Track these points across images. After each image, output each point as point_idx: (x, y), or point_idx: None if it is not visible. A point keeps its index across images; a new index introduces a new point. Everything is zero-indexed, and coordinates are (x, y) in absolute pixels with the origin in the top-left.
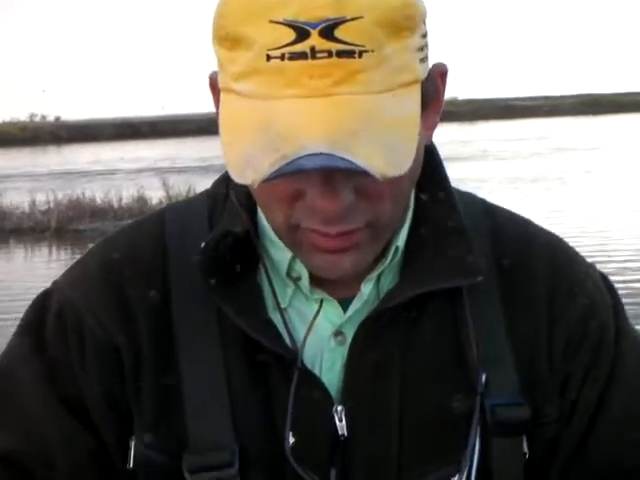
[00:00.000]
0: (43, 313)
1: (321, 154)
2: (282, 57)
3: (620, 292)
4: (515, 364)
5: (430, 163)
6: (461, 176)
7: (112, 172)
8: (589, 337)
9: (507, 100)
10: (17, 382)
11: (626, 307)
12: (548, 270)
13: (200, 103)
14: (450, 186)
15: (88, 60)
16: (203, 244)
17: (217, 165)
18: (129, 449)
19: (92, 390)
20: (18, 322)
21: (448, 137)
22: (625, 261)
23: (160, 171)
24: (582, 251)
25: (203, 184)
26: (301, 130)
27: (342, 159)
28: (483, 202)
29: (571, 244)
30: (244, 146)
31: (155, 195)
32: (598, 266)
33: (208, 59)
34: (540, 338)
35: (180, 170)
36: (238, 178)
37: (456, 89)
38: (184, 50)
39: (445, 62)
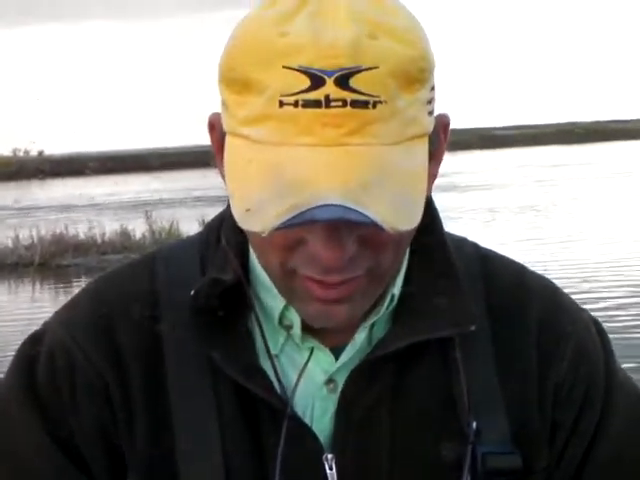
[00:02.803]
0: (35, 353)
1: (333, 205)
2: (296, 104)
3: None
4: (506, 412)
5: (426, 211)
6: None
7: (95, 206)
8: (579, 386)
9: (488, 130)
10: (10, 423)
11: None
12: (540, 318)
13: (185, 137)
14: (444, 233)
15: (71, 94)
16: (193, 292)
17: (203, 198)
18: None
19: (84, 431)
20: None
21: None
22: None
23: (143, 205)
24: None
25: (187, 218)
26: (313, 179)
27: (355, 211)
28: (476, 247)
29: (547, 273)
30: (253, 193)
31: (138, 229)
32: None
33: (196, 93)
34: (531, 386)
35: (163, 204)
36: (245, 225)
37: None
38: (170, 84)
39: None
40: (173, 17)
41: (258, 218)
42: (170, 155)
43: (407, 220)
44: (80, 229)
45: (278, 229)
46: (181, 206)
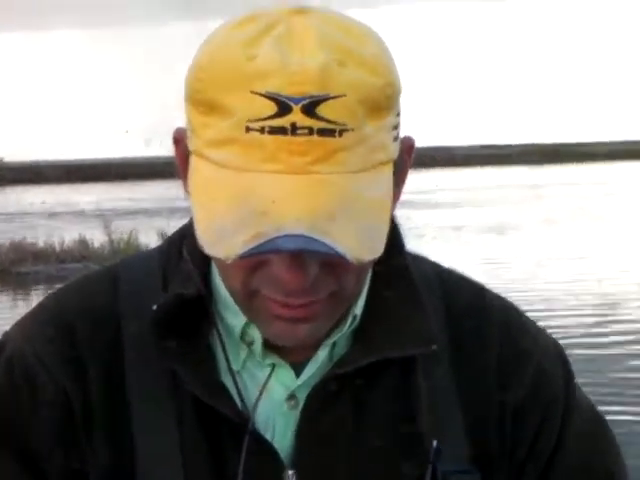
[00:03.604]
0: None
1: (298, 235)
2: (262, 130)
3: None
4: (466, 431)
5: (389, 230)
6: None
7: (54, 215)
8: (538, 407)
9: (450, 149)
10: None
11: None
12: (500, 337)
13: (146, 148)
14: (406, 253)
15: (31, 101)
16: (154, 307)
17: (163, 209)
18: None
19: (43, 443)
20: None
21: None
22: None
23: (103, 214)
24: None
25: (146, 228)
26: (278, 208)
27: (319, 242)
28: (436, 267)
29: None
30: (217, 219)
31: (97, 239)
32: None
33: (159, 102)
34: (490, 405)
35: (123, 213)
36: (210, 251)
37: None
38: (132, 91)
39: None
40: (138, 27)
41: (222, 245)
42: (130, 165)
43: (371, 250)
44: (39, 237)
45: (243, 257)
46: (140, 217)
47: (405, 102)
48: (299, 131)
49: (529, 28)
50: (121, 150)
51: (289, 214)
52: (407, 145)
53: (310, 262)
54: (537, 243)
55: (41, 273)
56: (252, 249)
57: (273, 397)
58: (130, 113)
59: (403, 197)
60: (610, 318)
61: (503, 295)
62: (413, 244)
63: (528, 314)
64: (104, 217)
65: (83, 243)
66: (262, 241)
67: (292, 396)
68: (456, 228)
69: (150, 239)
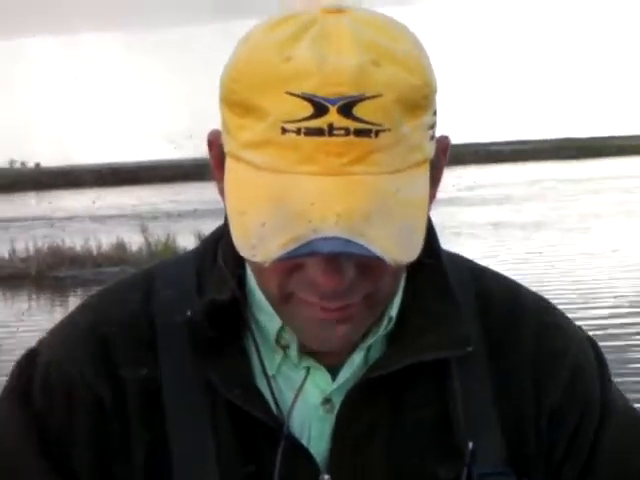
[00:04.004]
0: (30, 374)
1: (335, 238)
2: (298, 131)
3: None
4: (502, 433)
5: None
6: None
7: (93, 218)
8: (575, 406)
9: (485, 145)
10: (5, 445)
11: None
12: (535, 336)
13: (177, 151)
14: (441, 254)
15: (67, 106)
16: (189, 313)
17: (199, 211)
18: None
19: (80, 453)
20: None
21: None
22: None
23: (140, 217)
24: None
25: (184, 230)
26: (315, 210)
27: (356, 244)
28: (470, 265)
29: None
30: (254, 221)
31: (134, 242)
32: None
33: (191, 108)
34: (527, 406)
35: (160, 216)
36: (246, 255)
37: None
38: (165, 96)
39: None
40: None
41: (260, 249)
42: (165, 168)
43: (409, 252)
44: (76, 241)
45: (280, 260)
46: (178, 219)
47: (442, 99)
48: (336, 132)
49: (570, 23)
50: (155, 153)
51: (325, 216)
52: (443, 144)
53: (346, 264)
54: (577, 238)
55: (77, 277)
56: (289, 252)
57: (309, 401)
58: (165, 116)
59: (444, 195)
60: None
61: (541, 293)
62: (452, 242)
63: (568, 309)
64: (142, 220)
65: (120, 246)
66: (299, 244)
67: (328, 400)
68: (495, 225)
69: (188, 241)
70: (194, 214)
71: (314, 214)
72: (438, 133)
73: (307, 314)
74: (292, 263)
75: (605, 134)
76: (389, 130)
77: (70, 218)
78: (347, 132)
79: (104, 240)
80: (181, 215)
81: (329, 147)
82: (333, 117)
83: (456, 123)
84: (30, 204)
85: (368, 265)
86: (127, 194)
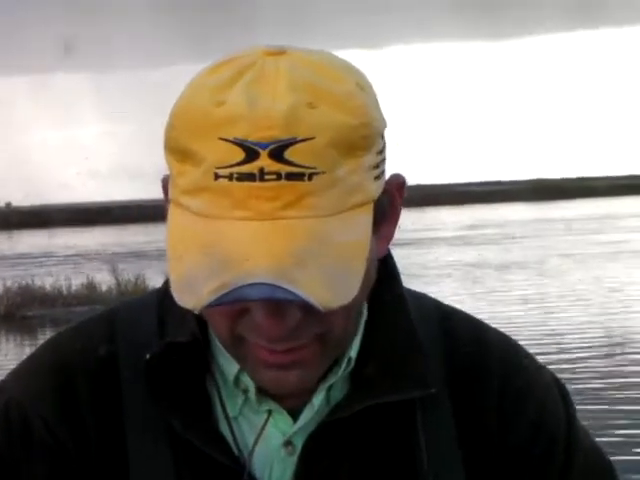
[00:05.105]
0: None
1: (262, 283)
2: (230, 177)
3: None
4: (465, 474)
5: (384, 269)
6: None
7: (62, 258)
8: (540, 446)
9: (457, 186)
10: None
11: None
12: (499, 375)
13: (149, 190)
14: (403, 292)
15: (40, 145)
16: (148, 356)
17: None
18: None
19: None
20: None
21: None
22: None
23: (110, 257)
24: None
25: (153, 271)
26: (245, 256)
27: (285, 290)
28: (436, 304)
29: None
30: (186, 267)
31: (104, 281)
32: None
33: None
34: (491, 447)
35: (130, 256)
36: (179, 301)
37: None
38: (140, 135)
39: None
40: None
41: (191, 295)
42: (136, 208)
43: (341, 296)
44: (46, 281)
45: (210, 307)
46: (148, 259)
47: (413, 140)
48: (267, 176)
49: (543, 70)
50: (127, 193)
51: (255, 263)
52: (397, 183)
53: (290, 307)
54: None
55: (47, 316)
56: (217, 299)
57: (270, 443)
58: (135, 155)
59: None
60: None
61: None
62: (411, 284)
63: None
64: (112, 260)
65: (90, 286)
66: (226, 291)
67: (289, 442)
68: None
69: (158, 282)
70: (164, 254)
71: (243, 260)
72: (415, 173)
73: (258, 358)
74: (239, 307)
75: (575, 175)
76: (323, 173)
77: (40, 257)
78: (279, 176)
79: (74, 280)
80: (151, 255)
81: (260, 192)
82: (264, 161)
83: (432, 163)
84: (0, 243)
85: (313, 306)
86: (98, 234)
